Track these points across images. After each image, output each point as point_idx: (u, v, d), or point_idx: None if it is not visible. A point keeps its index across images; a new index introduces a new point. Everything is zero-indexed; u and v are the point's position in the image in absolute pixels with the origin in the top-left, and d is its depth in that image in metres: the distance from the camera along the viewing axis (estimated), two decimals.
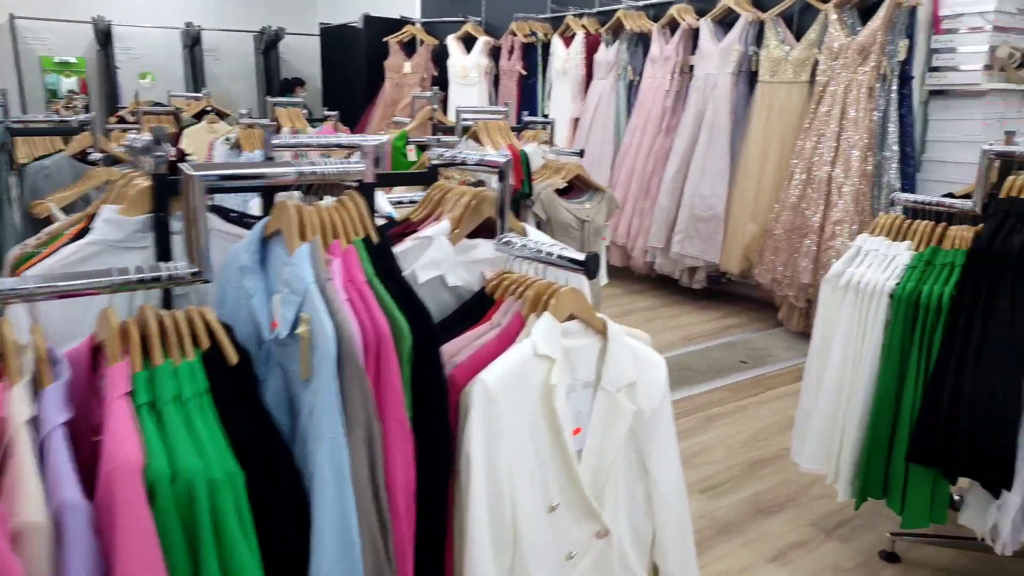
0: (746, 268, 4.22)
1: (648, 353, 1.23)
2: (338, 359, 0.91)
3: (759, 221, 4.07)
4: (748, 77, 4.20)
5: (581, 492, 1.14)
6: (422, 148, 3.21)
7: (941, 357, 1.63)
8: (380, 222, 1.53)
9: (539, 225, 3.36)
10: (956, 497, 1.79)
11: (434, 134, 3.45)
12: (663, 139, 4.62)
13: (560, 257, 1.13)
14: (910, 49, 3.49)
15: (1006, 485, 1.54)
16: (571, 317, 1.15)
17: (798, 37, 3.95)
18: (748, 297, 4.57)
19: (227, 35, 8.04)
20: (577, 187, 3.56)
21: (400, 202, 1.77)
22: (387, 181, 1.52)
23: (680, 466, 1.28)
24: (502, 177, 1.24)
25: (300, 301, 0.95)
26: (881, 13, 3.45)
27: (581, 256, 1.10)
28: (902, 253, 1.78)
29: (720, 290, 4.75)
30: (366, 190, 1.12)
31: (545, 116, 5.70)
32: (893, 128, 3.48)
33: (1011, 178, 1.66)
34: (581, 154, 3.41)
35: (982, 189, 1.77)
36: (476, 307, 1.21)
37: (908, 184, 3.52)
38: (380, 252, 1.05)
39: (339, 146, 1.44)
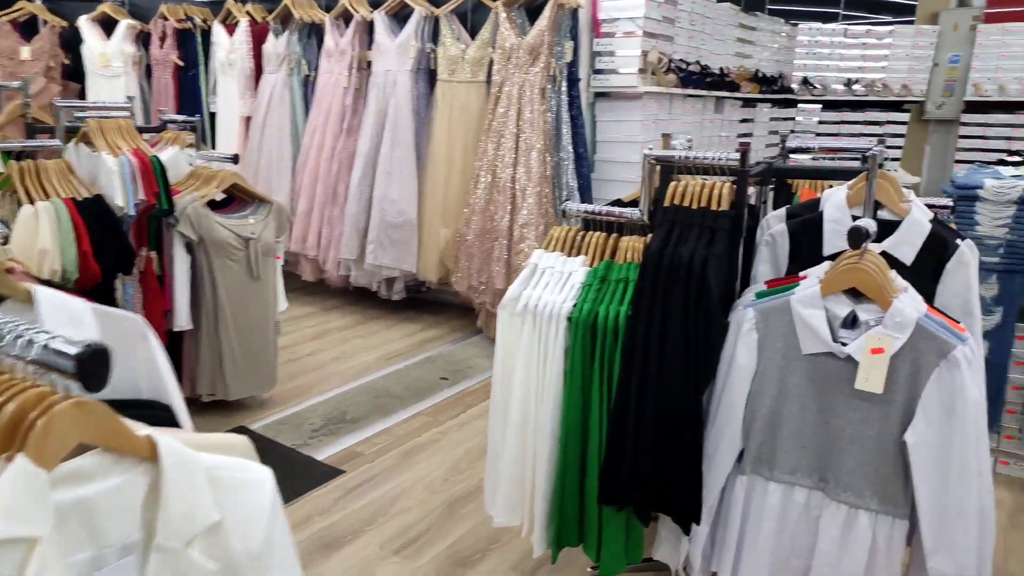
0: (444, 275, 4.01)
1: (241, 471, 0.82)
2: None
3: (451, 226, 3.88)
4: (428, 75, 3.99)
5: None
6: (8, 155, 2.41)
7: (621, 385, 1.48)
8: None
9: (189, 247, 2.76)
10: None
11: (30, 136, 2.64)
12: (346, 140, 4.22)
13: (46, 350, 0.67)
14: (575, 51, 3.53)
15: (696, 519, 1.43)
16: (83, 448, 0.70)
17: (473, 35, 3.82)
18: (450, 304, 4.39)
19: None
20: (238, 199, 3.01)
21: None
22: None
23: None
24: None
25: None
26: (546, 14, 3.43)
27: (73, 348, 0.65)
28: (577, 270, 1.61)
29: (422, 299, 4.51)
30: None
31: (212, 113, 4.96)
32: (566, 129, 3.49)
33: (672, 185, 1.56)
34: (235, 159, 2.86)
35: (647, 196, 1.66)
36: None
37: (584, 184, 3.56)
38: None
39: None
